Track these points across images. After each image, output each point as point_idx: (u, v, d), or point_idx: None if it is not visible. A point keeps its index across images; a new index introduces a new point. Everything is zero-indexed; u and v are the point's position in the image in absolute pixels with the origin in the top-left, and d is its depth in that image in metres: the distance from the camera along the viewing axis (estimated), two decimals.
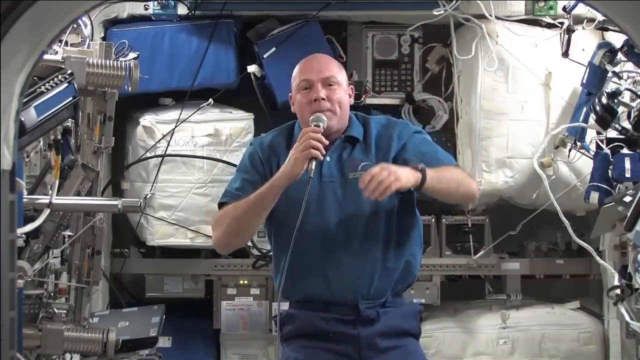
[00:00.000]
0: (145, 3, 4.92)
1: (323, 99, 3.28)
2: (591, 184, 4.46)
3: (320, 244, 3.28)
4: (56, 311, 3.74)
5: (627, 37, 3.95)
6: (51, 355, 3.73)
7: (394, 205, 3.32)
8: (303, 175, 3.14)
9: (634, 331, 4.52)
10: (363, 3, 5.06)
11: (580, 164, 4.83)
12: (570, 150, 4.77)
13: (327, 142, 3.18)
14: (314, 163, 3.13)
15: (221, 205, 3.36)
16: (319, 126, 3.22)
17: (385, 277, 3.32)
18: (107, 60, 3.86)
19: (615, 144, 4.39)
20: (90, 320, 4.13)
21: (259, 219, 3.27)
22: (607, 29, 4.74)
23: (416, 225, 3.42)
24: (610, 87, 4.51)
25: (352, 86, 3.46)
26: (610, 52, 4.50)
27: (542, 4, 4.96)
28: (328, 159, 3.30)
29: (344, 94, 3.36)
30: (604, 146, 4.45)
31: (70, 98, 3.57)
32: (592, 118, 4.50)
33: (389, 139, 3.36)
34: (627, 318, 4.29)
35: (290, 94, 3.43)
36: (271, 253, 3.52)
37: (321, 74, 3.33)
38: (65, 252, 3.89)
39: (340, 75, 3.38)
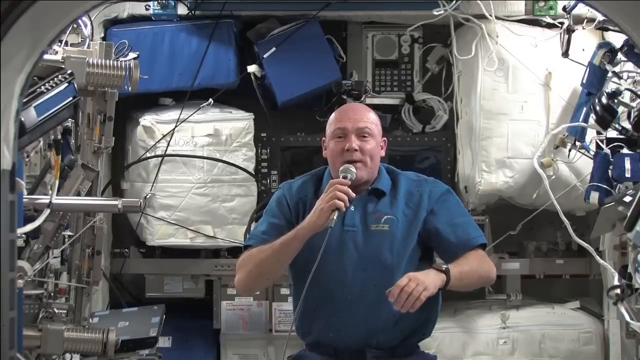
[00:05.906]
0: (145, 3, 4.92)
1: (356, 149, 3.30)
2: (591, 184, 4.45)
3: (336, 292, 3.30)
4: (56, 311, 3.74)
5: (627, 37, 3.94)
6: (51, 355, 3.73)
7: (415, 260, 3.33)
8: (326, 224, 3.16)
9: (634, 331, 4.52)
10: (363, 3, 5.06)
11: (580, 164, 4.82)
12: (570, 150, 4.77)
13: (353, 195, 3.20)
14: (336, 213, 3.14)
15: (247, 247, 3.39)
16: (346, 177, 3.24)
17: (398, 330, 3.32)
18: (107, 60, 3.86)
19: (615, 144, 4.39)
20: (90, 320, 4.14)
21: (281, 265, 3.31)
22: (607, 29, 4.74)
23: None
24: (610, 87, 4.50)
25: (385, 139, 3.46)
26: (610, 52, 4.50)
27: (542, 4, 4.95)
28: (352, 208, 3.31)
29: (376, 145, 3.36)
30: (604, 146, 4.44)
31: (70, 98, 3.58)
32: (592, 118, 4.50)
33: (419, 196, 3.37)
34: (627, 318, 4.28)
35: (323, 138, 3.44)
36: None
37: (356, 124, 3.34)
38: (65, 252, 3.89)
39: (375, 127, 3.38)
